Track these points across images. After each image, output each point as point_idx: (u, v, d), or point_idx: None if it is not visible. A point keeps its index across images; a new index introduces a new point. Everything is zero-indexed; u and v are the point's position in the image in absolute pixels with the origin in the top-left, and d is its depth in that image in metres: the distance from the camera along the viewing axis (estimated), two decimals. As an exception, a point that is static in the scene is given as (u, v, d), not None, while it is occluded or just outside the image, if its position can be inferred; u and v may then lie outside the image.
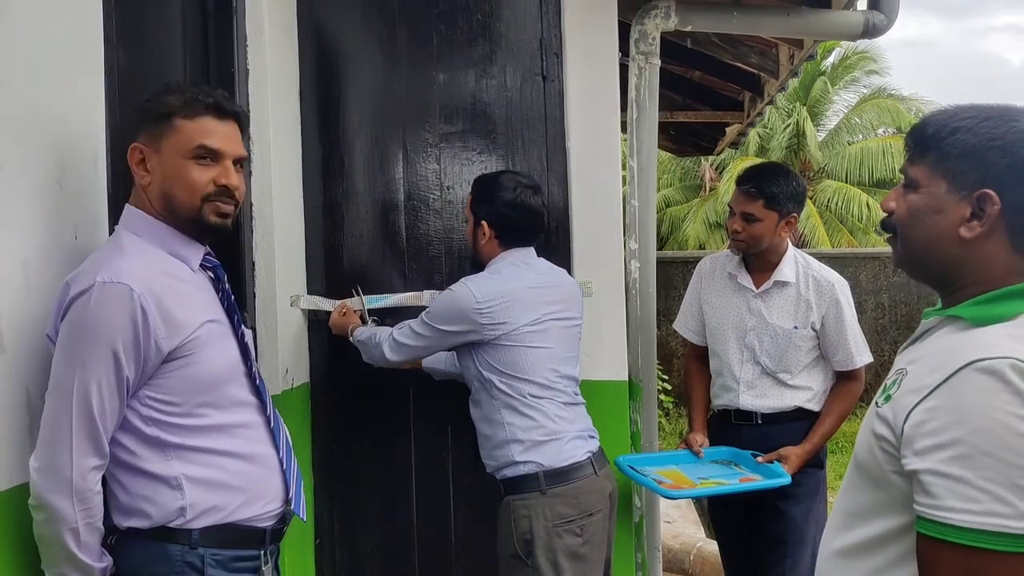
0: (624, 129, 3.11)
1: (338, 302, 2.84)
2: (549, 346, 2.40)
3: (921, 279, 1.30)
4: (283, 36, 2.82)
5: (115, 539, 1.65)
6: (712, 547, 4.67)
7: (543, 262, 2.55)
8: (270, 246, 2.64)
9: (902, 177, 1.29)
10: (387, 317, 2.85)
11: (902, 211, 1.26)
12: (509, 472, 2.37)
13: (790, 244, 2.92)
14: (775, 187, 2.79)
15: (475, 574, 2.89)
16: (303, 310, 2.86)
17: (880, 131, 19.34)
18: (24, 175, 1.63)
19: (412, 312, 2.63)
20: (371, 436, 2.95)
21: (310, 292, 2.90)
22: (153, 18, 2.30)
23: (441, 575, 2.95)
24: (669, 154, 12.68)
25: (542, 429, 2.36)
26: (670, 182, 20.09)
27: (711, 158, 16.68)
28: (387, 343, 2.51)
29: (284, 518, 1.80)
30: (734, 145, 7.28)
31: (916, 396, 1.12)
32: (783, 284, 2.86)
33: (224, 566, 1.66)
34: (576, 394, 2.50)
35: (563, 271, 2.61)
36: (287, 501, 1.80)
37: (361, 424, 2.95)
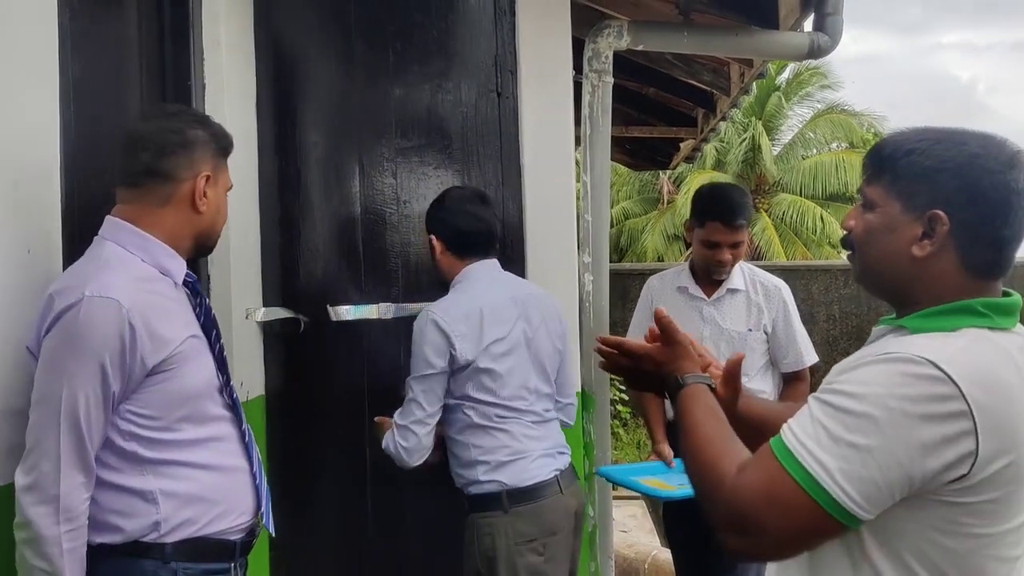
0: (578, 144, 3.17)
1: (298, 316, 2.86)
2: (517, 364, 2.38)
3: (878, 294, 1.35)
4: (240, 50, 2.84)
5: (92, 551, 1.61)
6: (667, 555, 4.73)
7: (509, 276, 2.53)
8: (225, 259, 2.65)
9: (859, 196, 1.34)
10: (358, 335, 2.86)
11: (859, 229, 1.31)
12: (474, 490, 2.37)
13: None
14: (748, 209, 2.95)
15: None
16: (258, 323, 2.87)
17: (833, 145, 19.74)
18: (-24, 190, 1.64)
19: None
20: (327, 449, 2.96)
21: (266, 305, 2.90)
22: (108, 31, 2.30)
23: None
24: (627, 168, 12.81)
25: (507, 449, 2.36)
26: (629, 194, 20.29)
27: (669, 171, 16.87)
28: (392, 439, 2.39)
29: (253, 531, 1.82)
30: (689, 160, 7.40)
31: (833, 375, 1.21)
32: (734, 291, 2.98)
33: None
34: (547, 411, 2.47)
35: (530, 284, 2.61)
36: (257, 514, 1.81)
37: (316, 437, 2.96)
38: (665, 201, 19.62)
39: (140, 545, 1.63)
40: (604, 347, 1.53)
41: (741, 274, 3.01)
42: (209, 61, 2.63)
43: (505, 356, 2.36)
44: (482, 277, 2.44)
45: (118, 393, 1.60)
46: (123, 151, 1.77)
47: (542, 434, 2.43)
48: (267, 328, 2.91)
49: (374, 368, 2.91)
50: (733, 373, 1.47)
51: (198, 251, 1.85)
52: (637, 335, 3.16)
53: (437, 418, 2.38)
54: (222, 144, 1.84)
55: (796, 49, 3.22)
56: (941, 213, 1.21)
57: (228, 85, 2.68)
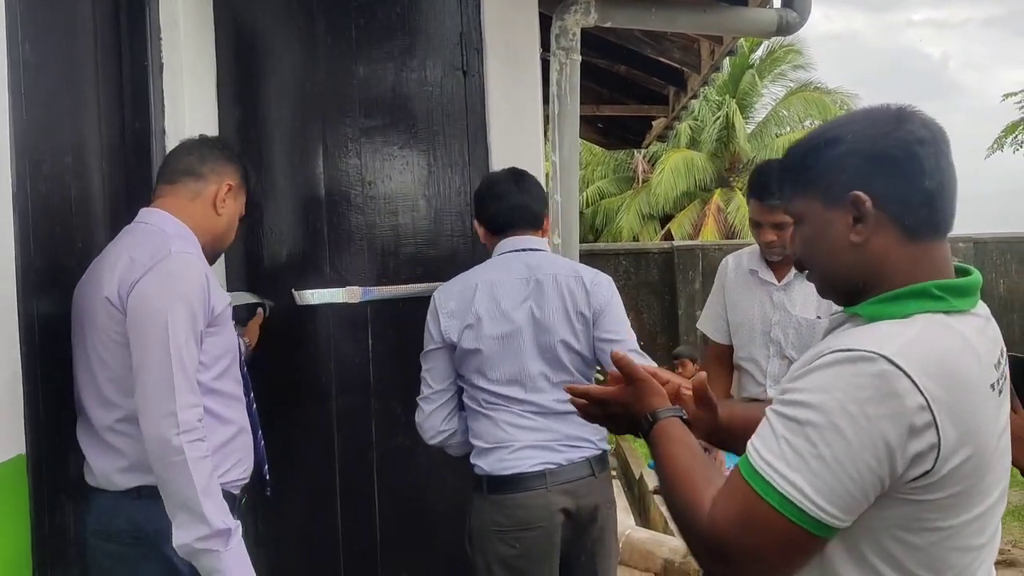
0: (547, 123, 3.14)
1: (264, 301, 2.81)
2: (513, 350, 2.30)
3: (844, 300, 1.30)
4: (198, 28, 2.77)
5: (116, 498, 1.86)
6: (641, 534, 4.75)
7: (538, 255, 2.41)
8: (187, 243, 2.60)
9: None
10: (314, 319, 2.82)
11: (799, 247, 1.30)
12: (474, 470, 2.36)
13: None
14: None
15: (400, 574, 2.90)
16: (223, 307, 2.83)
17: (807, 123, 19.80)
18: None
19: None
20: (293, 435, 2.93)
21: (230, 290, 2.86)
22: (60, 10, 2.23)
23: (366, 574, 2.94)
24: (600, 147, 12.81)
25: (490, 436, 2.31)
26: (604, 174, 20.29)
27: (644, 150, 16.88)
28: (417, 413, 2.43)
29: (244, 490, 2.08)
30: (662, 138, 7.39)
31: (789, 379, 1.19)
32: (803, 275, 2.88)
33: None
34: (558, 401, 2.29)
35: (563, 262, 2.47)
36: (252, 474, 2.08)
37: (283, 422, 2.92)
38: (640, 180, 19.63)
39: None
40: (573, 397, 1.50)
41: None
42: (167, 40, 2.57)
43: (497, 340, 2.29)
44: (498, 254, 2.42)
45: (201, 332, 1.88)
46: (170, 156, 2.13)
47: (540, 425, 2.31)
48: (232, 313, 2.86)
49: (340, 353, 2.87)
50: (702, 395, 1.45)
51: (208, 255, 2.06)
52: (709, 317, 3.10)
53: (448, 396, 2.40)
54: (247, 176, 2.18)
55: (764, 26, 3.21)
56: (859, 193, 1.20)
57: (187, 65, 2.62)
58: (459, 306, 2.33)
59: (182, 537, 1.76)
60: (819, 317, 2.86)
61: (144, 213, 2.01)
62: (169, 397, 1.77)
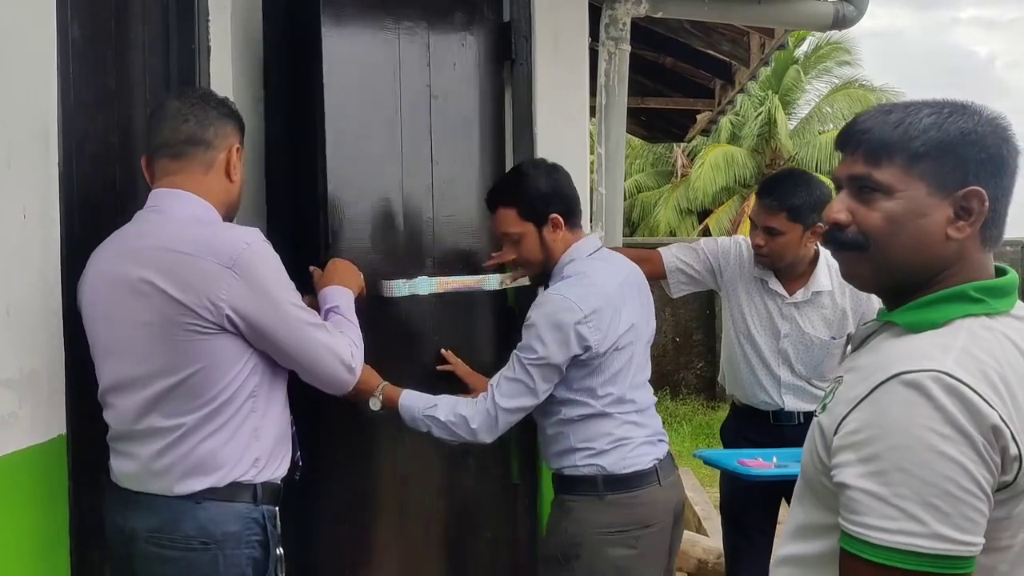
0: (593, 114, 3.10)
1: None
2: (631, 353, 2.26)
3: (894, 289, 1.21)
4: (247, 11, 2.74)
5: (176, 503, 1.75)
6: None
7: (611, 253, 2.39)
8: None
9: (843, 184, 1.21)
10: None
11: (877, 221, 1.16)
12: (569, 471, 2.24)
13: (820, 248, 2.79)
14: (797, 198, 2.67)
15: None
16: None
17: (850, 121, 19.49)
18: (-34, 152, 1.58)
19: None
20: (342, 430, 2.85)
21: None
22: (110, -9, 2.23)
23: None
24: (640, 140, 12.72)
25: (609, 437, 2.22)
26: (642, 167, 20.16)
27: (683, 144, 16.73)
28: (481, 418, 2.16)
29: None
30: (705, 132, 7.31)
31: (846, 407, 1.11)
32: (819, 293, 2.78)
33: (272, 522, 1.82)
34: (648, 397, 2.35)
35: (624, 258, 2.46)
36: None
37: (330, 418, 2.83)
38: (679, 175, 19.47)
39: (237, 486, 1.77)
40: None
41: (828, 272, 2.76)
42: (216, 23, 2.54)
43: (627, 347, 2.24)
44: (594, 255, 2.30)
45: None
46: (162, 124, 1.86)
47: (645, 421, 2.29)
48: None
49: (418, 347, 2.73)
50: None
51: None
52: (687, 259, 2.93)
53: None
54: (241, 123, 2.00)
55: (820, 19, 3.14)
56: (980, 189, 1.13)
57: (235, 48, 2.60)
58: (603, 320, 2.17)
59: None
60: (833, 338, 2.75)
61: (163, 196, 1.83)
62: (332, 358, 1.87)
